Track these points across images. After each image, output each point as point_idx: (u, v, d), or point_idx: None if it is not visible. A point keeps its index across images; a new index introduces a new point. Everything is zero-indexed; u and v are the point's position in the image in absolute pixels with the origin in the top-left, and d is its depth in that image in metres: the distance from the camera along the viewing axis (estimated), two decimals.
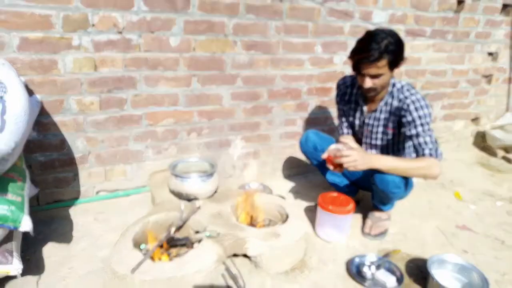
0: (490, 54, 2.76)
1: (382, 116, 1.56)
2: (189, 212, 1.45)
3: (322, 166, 1.73)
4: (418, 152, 1.42)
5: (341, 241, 1.56)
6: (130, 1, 1.50)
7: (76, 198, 1.67)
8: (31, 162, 1.52)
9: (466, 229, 1.74)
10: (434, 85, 2.57)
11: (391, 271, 1.35)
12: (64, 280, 1.26)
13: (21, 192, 1.21)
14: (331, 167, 1.42)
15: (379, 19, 2.14)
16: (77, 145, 1.59)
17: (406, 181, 1.50)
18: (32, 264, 1.32)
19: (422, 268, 1.40)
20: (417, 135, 1.42)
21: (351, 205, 1.53)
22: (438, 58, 2.49)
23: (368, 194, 1.82)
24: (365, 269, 1.34)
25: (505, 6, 2.61)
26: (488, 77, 2.85)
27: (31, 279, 1.25)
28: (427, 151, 1.39)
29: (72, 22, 1.43)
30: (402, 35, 1.49)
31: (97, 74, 1.54)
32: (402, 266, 1.42)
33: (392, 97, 1.51)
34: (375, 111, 1.58)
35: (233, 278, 1.24)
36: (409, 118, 1.43)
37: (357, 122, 1.67)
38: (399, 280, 1.30)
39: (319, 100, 2.15)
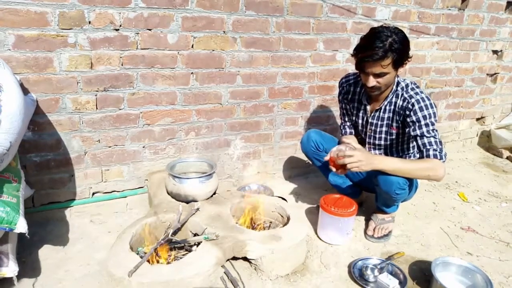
0: (495, 52, 2.73)
1: (386, 115, 1.53)
2: (187, 214, 1.42)
3: (324, 167, 1.70)
4: (423, 152, 1.39)
5: (343, 243, 1.54)
6: None
7: (72, 199, 1.64)
8: (26, 162, 1.50)
9: (471, 231, 1.71)
10: (439, 84, 2.54)
11: (394, 274, 1.34)
12: (61, 282, 1.26)
13: (16, 193, 1.20)
14: (333, 169, 1.39)
15: (383, 16, 2.11)
16: (73, 145, 1.57)
17: (411, 183, 1.47)
18: (28, 266, 1.32)
19: (426, 270, 1.39)
20: (422, 136, 1.39)
21: (354, 207, 1.51)
22: (442, 56, 2.46)
23: (371, 195, 1.80)
24: (368, 272, 1.32)
25: (509, 4, 2.59)
26: (493, 76, 2.82)
27: (27, 281, 1.25)
28: (431, 152, 1.36)
29: (68, 19, 1.40)
30: (406, 32, 1.46)
31: (93, 72, 1.51)
32: (405, 269, 1.41)
33: (397, 96, 1.48)
34: (379, 110, 1.54)
35: (233, 281, 1.21)
36: (414, 118, 1.40)
37: (360, 121, 1.64)
38: (402, 283, 1.30)
39: (321, 99, 2.12)
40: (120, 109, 1.61)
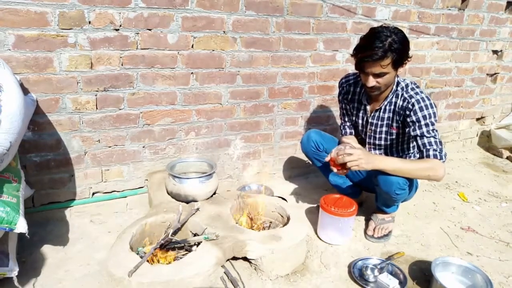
0: (495, 52, 2.73)
1: (386, 115, 1.53)
2: (187, 214, 1.42)
3: (324, 167, 1.70)
4: (423, 153, 1.39)
5: (343, 243, 1.54)
6: None
7: (72, 199, 1.64)
8: (26, 162, 1.50)
9: (471, 231, 1.71)
10: (439, 84, 2.54)
11: (394, 274, 1.34)
12: (61, 282, 1.26)
13: (16, 193, 1.20)
14: (334, 169, 1.38)
15: (383, 16, 2.11)
16: (73, 145, 1.57)
17: (411, 183, 1.47)
18: (28, 266, 1.32)
19: (426, 270, 1.39)
20: (422, 136, 1.39)
21: (354, 207, 1.51)
22: (442, 56, 2.46)
23: (371, 195, 1.80)
24: (368, 272, 1.32)
25: (509, 4, 2.59)
26: (493, 76, 2.82)
27: (27, 281, 1.25)
28: (431, 152, 1.36)
29: (68, 19, 1.40)
30: (406, 32, 1.46)
31: (93, 72, 1.51)
32: (405, 269, 1.41)
33: (397, 96, 1.48)
34: (379, 110, 1.54)
35: (233, 281, 1.21)
36: (414, 118, 1.40)
37: (360, 121, 1.64)
38: (402, 283, 1.29)
39: (321, 99, 2.12)
40: (120, 109, 1.61)
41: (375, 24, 2.01)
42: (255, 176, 2.08)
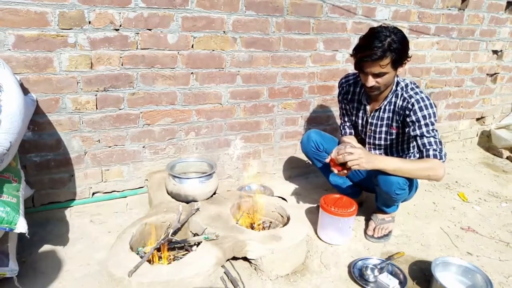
0: (495, 52, 2.73)
1: (386, 115, 1.53)
2: (187, 214, 1.42)
3: (324, 167, 1.70)
4: (422, 152, 1.39)
5: (343, 243, 1.54)
6: None
7: (72, 199, 1.64)
8: (26, 162, 1.50)
9: (471, 231, 1.71)
10: (439, 84, 2.54)
11: (394, 274, 1.34)
12: (61, 282, 1.26)
13: (16, 193, 1.20)
14: (335, 170, 1.38)
15: (383, 16, 2.10)
16: (73, 145, 1.57)
17: (411, 183, 1.47)
18: (28, 266, 1.32)
19: (426, 270, 1.39)
20: (422, 136, 1.39)
21: (354, 207, 1.51)
22: (442, 56, 2.46)
23: (371, 195, 1.80)
24: (368, 272, 1.32)
25: (509, 4, 2.59)
26: (493, 76, 2.82)
27: (27, 281, 1.24)
28: (431, 152, 1.36)
29: (68, 19, 1.40)
30: (406, 32, 1.45)
31: (93, 72, 1.51)
32: (405, 269, 1.41)
33: (396, 96, 1.48)
34: (378, 110, 1.54)
35: (233, 281, 1.21)
36: (413, 118, 1.40)
37: (360, 121, 1.64)
38: (402, 283, 1.29)
39: (321, 99, 2.12)
40: (120, 109, 1.61)
41: (375, 24, 2.01)
42: (255, 176, 2.08)
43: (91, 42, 1.46)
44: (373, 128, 1.59)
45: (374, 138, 1.60)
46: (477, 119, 2.93)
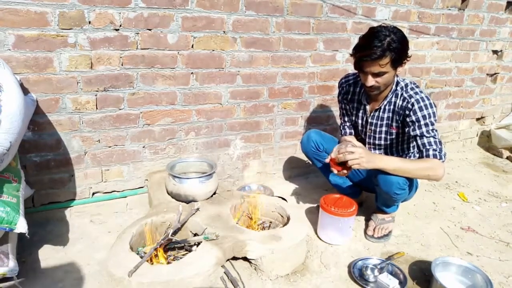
0: (495, 52, 2.73)
1: (386, 115, 1.53)
2: (187, 214, 1.42)
3: (324, 167, 1.70)
4: (422, 152, 1.39)
5: (343, 243, 1.54)
6: None
7: (72, 199, 1.64)
8: (26, 162, 1.50)
9: (471, 231, 1.71)
10: (439, 84, 2.54)
11: (394, 274, 1.34)
12: (61, 282, 1.26)
13: (16, 193, 1.20)
14: (335, 170, 1.38)
15: (383, 16, 2.10)
16: (73, 145, 1.57)
17: (411, 183, 1.47)
18: (28, 266, 1.32)
19: (426, 270, 1.39)
20: (421, 136, 1.39)
21: (354, 207, 1.51)
22: (442, 56, 2.46)
23: (371, 195, 1.80)
24: (368, 272, 1.32)
25: (509, 4, 2.59)
26: (493, 76, 2.82)
27: (27, 281, 1.24)
28: (431, 152, 1.36)
29: (68, 19, 1.40)
30: (406, 32, 1.46)
31: (93, 72, 1.51)
32: (405, 269, 1.41)
33: (396, 95, 1.48)
34: (378, 110, 1.54)
35: (233, 281, 1.21)
36: (413, 118, 1.40)
37: (360, 121, 1.64)
38: (402, 283, 1.29)
39: (321, 99, 2.12)
40: (120, 109, 1.61)
41: (375, 24, 2.01)
42: (255, 176, 2.08)
43: (91, 42, 1.46)
44: (373, 128, 1.59)
45: (374, 138, 1.60)
46: (477, 119, 2.93)
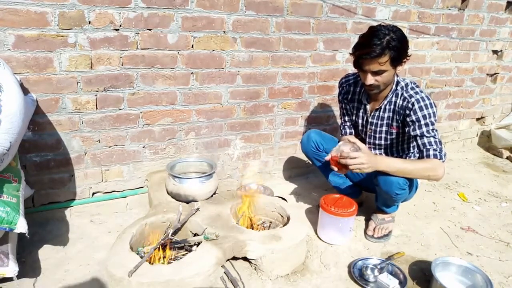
0: (495, 52, 2.73)
1: (386, 115, 1.53)
2: (187, 214, 1.42)
3: (324, 167, 1.70)
4: (423, 152, 1.39)
5: (343, 243, 1.54)
6: None
7: (72, 199, 1.64)
8: (26, 162, 1.50)
9: (471, 231, 1.71)
10: (439, 84, 2.54)
11: (394, 274, 1.34)
12: (61, 282, 1.26)
13: (16, 193, 1.20)
14: (335, 168, 1.38)
15: (383, 16, 2.10)
16: (73, 145, 1.57)
17: (411, 183, 1.47)
18: (28, 266, 1.32)
19: (426, 270, 1.39)
20: (422, 136, 1.39)
21: (354, 207, 1.51)
22: (442, 56, 2.46)
23: (371, 195, 1.80)
24: (368, 272, 1.32)
25: (509, 4, 2.59)
26: (493, 76, 2.82)
27: (27, 281, 1.25)
28: (431, 152, 1.36)
29: (68, 19, 1.40)
30: (406, 32, 1.46)
31: (93, 72, 1.51)
32: (405, 269, 1.41)
33: (396, 95, 1.48)
34: (378, 109, 1.54)
35: (233, 281, 1.21)
36: (413, 118, 1.40)
37: (360, 121, 1.64)
38: (402, 283, 1.29)
39: (321, 99, 2.12)
40: (120, 109, 1.61)
41: (375, 24, 2.01)
42: (255, 176, 2.08)
43: (91, 42, 1.46)
44: (373, 127, 1.59)
45: (375, 137, 1.60)
46: (477, 119, 2.93)
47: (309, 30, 1.92)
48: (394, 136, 1.56)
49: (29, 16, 1.34)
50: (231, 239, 1.28)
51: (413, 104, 1.40)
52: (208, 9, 1.64)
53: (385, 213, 1.64)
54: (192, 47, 1.66)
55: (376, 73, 1.36)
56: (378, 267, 1.33)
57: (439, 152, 1.36)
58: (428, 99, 1.41)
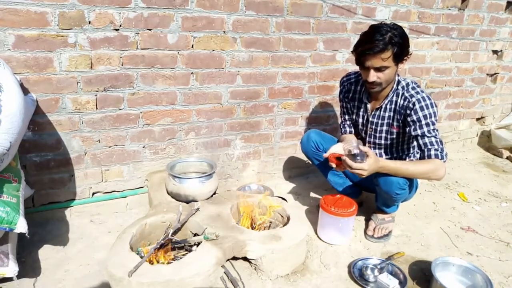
0: (495, 52, 2.73)
1: (387, 114, 1.53)
2: (187, 214, 1.42)
3: (323, 167, 1.70)
4: (424, 152, 1.39)
5: (343, 243, 1.54)
6: None
7: (72, 199, 1.64)
8: (26, 162, 1.50)
9: (471, 231, 1.71)
10: (439, 84, 2.54)
11: (394, 274, 1.34)
12: (61, 282, 1.26)
13: (16, 193, 1.20)
14: (333, 164, 1.38)
15: (383, 16, 2.11)
16: (73, 145, 1.57)
17: (411, 183, 1.47)
18: (28, 266, 1.32)
19: (426, 270, 1.39)
20: (423, 135, 1.39)
21: (354, 207, 1.51)
22: (442, 56, 2.46)
23: (371, 195, 1.80)
24: (368, 272, 1.32)
25: (509, 4, 2.59)
26: (493, 76, 2.82)
27: (27, 281, 1.25)
28: (432, 152, 1.36)
29: (68, 19, 1.40)
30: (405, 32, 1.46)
31: (93, 72, 1.51)
32: (405, 269, 1.41)
33: (397, 95, 1.48)
34: (379, 109, 1.54)
35: (233, 281, 1.21)
36: (414, 117, 1.40)
37: (360, 120, 1.64)
38: (402, 283, 1.29)
39: (321, 99, 2.12)
40: (120, 109, 1.61)
41: None
42: (255, 176, 2.08)
43: (91, 42, 1.46)
44: (373, 127, 1.59)
45: (375, 137, 1.60)
46: (477, 119, 2.93)
47: (309, 30, 1.92)
48: (394, 136, 1.56)
49: (29, 16, 1.34)
50: (231, 239, 1.28)
51: (414, 104, 1.40)
52: (208, 9, 1.64)
53: (385, 213, 1.64)
54: (192, 47, 1.66)
55: (378, 70, 1.36)
56: (378, 267, 1.33)
57: (440, 152, 1.36)
58: (429, 99, 1.41)
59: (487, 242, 1.63)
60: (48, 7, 1.36)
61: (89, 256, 1.39)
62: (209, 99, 1.80)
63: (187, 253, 1.31)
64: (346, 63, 2.10)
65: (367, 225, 1.67)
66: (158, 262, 1.25)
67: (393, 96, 1.49)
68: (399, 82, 1.48)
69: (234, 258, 1.30)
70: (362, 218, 1.75)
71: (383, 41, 1.30)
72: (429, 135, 1.38)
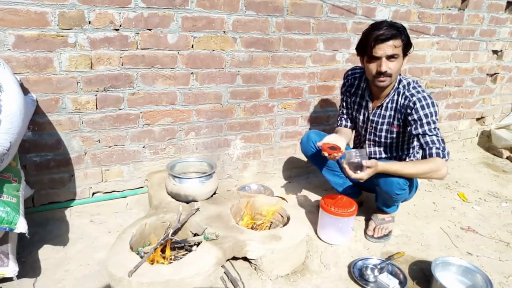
0: (495, 52, 2.73)
1: (388, 113, 1.53)
2: (187, 214, 1.42)
3: (323, 167, 1.70)
4: (425, 151, 1.38)
5: (343, 243, 1.54)
6: None
7: (72, 199, 1.64)
8: (26, 162, 1.50)
9: (471, 231, 1.71)
10: (439, 84, 2.54)
11: (394, 274, 1.34)
12: (61, 282, 1.26)
13: (16, 193, 1.20)
14: (326, 153, 1.40)
15: (383, 16, 2.11)
16: (73, 145, 1.57)
17: (411, 183, 1.47)
18: (28, 266, 1.32)
19: (426, 270, 1.39)
20: (424, 134, 1.39)
21: (354, 207, 1.51)
22: (442, 56, 2.46)
23: (371, 195, 1.80)
24: (368, 272, 1.32)
25: (509, 4, 2.59)
26: (493, 76, 2.82)
27: (27, 281, 1.25)
28: (434, 151, 1.36)
29: (68, 19, 1.40)
30: None
31: (93, 72, 1.51)
32: (405, 269, 1.41)
33: (398, 93, 1.48)
34: (380, 107, 1.54)
35: (233, 281, 1.21)
36: (415, 116, 1.40)
37: (361, 117, 1.64)
38: (402, 283, 1.29)
39: (321, 99, 2.12)
40: (120, 109, 1.61)
41: None
42: (255, 176, 2.08)
43: (91, 42, 1.46)
44: (374, 125, 1.59)
45: (375, 135, 1.60)
46: (477, 119, 2.93)
47: (309, 30, 1.92)
48: (394, 135, 1.56)
49: (29, 16, 1.34)
50: (231, 239, 1.28)
51: (414, 103, 1.40)
52: (208, 9, 1.64)
53: (385, 213, 1.64)
54: (192, 47, 1.66)
55: (391, 57, 1.36)
56: (378, 267, 1.33)
57: (442, 151, 1.36)
58: (430, 98, 1.41)
59: (487, 242, 1.63)
60: (48, 7, 1.36)
61: (89, 256, 1.39)
62: (209, 99, 1.80)
63: (187, 253, 1.31)
64: (346, 63, 2.10)
65: (367, 225, 1.67)
66: (158, 262, 1.25)
67: (394, 94, 1.49)
68: (400, 80, 1.49)
69: (234, 258, 1.30)
70: (362, 218, 1.75)
71: (393, 27, 1.33)
72: (430, 134, 1.37)
